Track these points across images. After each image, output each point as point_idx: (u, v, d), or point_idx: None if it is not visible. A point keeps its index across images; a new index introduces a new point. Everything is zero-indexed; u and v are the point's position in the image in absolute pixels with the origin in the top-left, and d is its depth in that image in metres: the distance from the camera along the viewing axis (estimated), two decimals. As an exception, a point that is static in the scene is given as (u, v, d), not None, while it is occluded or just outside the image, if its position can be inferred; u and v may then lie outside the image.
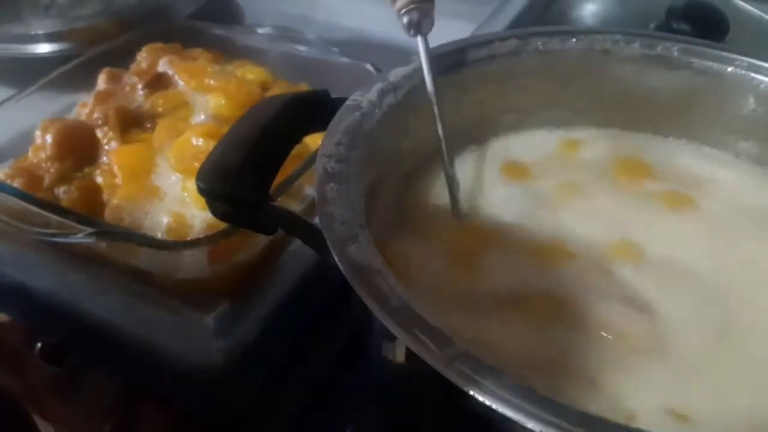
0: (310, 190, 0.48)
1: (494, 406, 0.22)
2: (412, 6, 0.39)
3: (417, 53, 0.40)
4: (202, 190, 0.33)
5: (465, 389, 0.22)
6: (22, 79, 0.61)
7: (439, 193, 0.41)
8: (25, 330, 0.62)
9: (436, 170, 0.41)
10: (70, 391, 0.74)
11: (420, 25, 0.39)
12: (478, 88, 0.43)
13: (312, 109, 0.39)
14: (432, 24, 0.40)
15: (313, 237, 0.32)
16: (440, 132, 0.39)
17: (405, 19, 0.39)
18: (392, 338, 0.31)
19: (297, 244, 0.47)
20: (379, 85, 0.38)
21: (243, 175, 0.33)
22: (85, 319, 0.44)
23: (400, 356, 0.31)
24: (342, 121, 0.35)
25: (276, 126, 0.36)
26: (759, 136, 0.42)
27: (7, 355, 0.73)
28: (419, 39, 0.39)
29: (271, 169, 0.35)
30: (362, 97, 0.37)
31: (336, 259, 0.27)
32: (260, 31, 0.65)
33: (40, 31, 0.69)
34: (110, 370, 0.47)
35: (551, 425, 0.21)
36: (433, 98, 0.39)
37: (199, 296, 0.43)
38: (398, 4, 0.40)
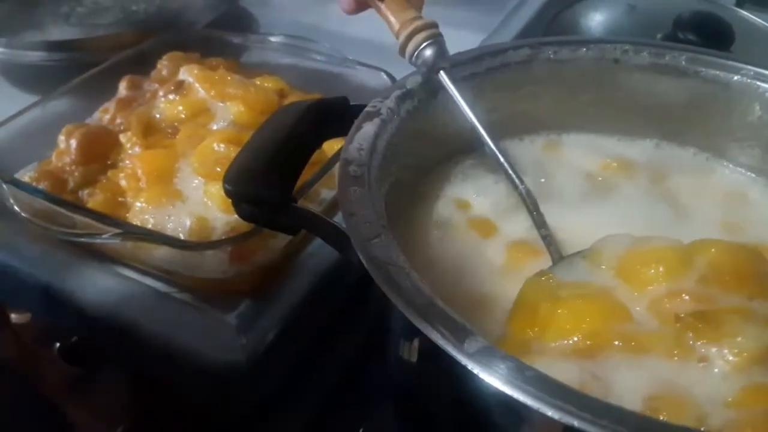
0: (326, 194, 0.50)
1: (516, 396, 0.23)
2: (425, 44, 0.39)
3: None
4: (229, 192, 0.35)
5: (487, 380, 0.24)
6: (44, 86, 0.63)
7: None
8: (45, 329, 0.64)
9: (449, 174, 0.43)
10: (85, 390, 0.75)
11: (436, 63, 0.39)
12: (491, 95, 0.45)
13: (332, 116, 0.40)
14: (448, 57, 0.40)
15: (336, 236, 0.33)
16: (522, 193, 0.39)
17: (420, 62, 0.40)
18: (411, 336, 0.32)
19: (315, 246, 0.48)
20: (397, 92, 0.39)
21: (268, 178, 0.35)
22: (108, 318, 0.45)
23: (417, 354, 0.32)
24: (363, 126, 0.36)
25: (298, 131, 0.38)
26: (764, 142, 0.43)
27: (26, 355, 0.75)
28: (443, 75, 0.39)
29: (294, 172, 0.37)
30: (381, 104, 0.38)
31: (361, 257, 0.28)
32: (274, 39, 0.66)
33: (60, 39, 0.71)
34: (130, 369, 0.48)
35: (572, 414, 0.22)
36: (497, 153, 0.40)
37: (221, 296, 0.45)
38: (410, 47, 0.40)
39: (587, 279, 0.33)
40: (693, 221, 0.41)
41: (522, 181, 0.39)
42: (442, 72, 0.39)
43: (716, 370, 0.27)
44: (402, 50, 0.40)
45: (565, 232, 0.39)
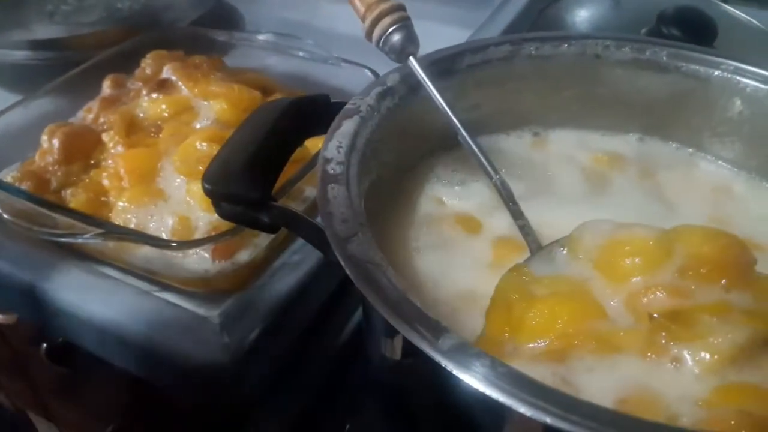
0: (309, 192, 0.50)
1: (489, 393, 0.23)
2: (392, 29, 0.37)
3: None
4: (208, 191, 0.35)
5: (461, 378, 0.24)
6: (28, 85, 0.62)
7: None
8: (32, 330, 0.63)
9: (431, 171, 0.43)
10: (74, 390, 0.75)
11: (404, 48, 0.38)
12: (473, 93, 0.45)
13: (313, 113, 0.40)
14: (418, 42, 0.38)
15: (315, 235, 0.33)
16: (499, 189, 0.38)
17: (388, 47, 0.38)
18: (391, 334, 0.32)
19: (298, 244, 0.48)
20: (377, 89, 0.39)
21: (247, 176, 0.35)
22: (91, 318, 0.45)
23: (398, 351, 0.32)
24: (342, 124, 0.36)
25: (278, 129, 0.38)
26: (745, 137, 0.43)
27: (12, 356, 0.75)
28: (411, 61, 0.38)
29: (274, 170, 0.37)
30: (361, 101, 0.38)
31: (338, 255, 0.28)
32: (260, 37, 0.66)
33: (45, 38, 0.71)
34: (116, 369, 0.48)
35: (543, 410, 0.22)
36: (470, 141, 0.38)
37: (204, 294, 0.45)
38: (377, 32, 0.38)
39: (564, 271, 0.33)
40: (682, 216, 0.41)
41: (497, 172, 0.38)
42: (411, 58, 0.38)
43: (688, 370, 0.27)
44: (368, 35, 0.39)
45: (556, 227, 0.38)
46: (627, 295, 0.31)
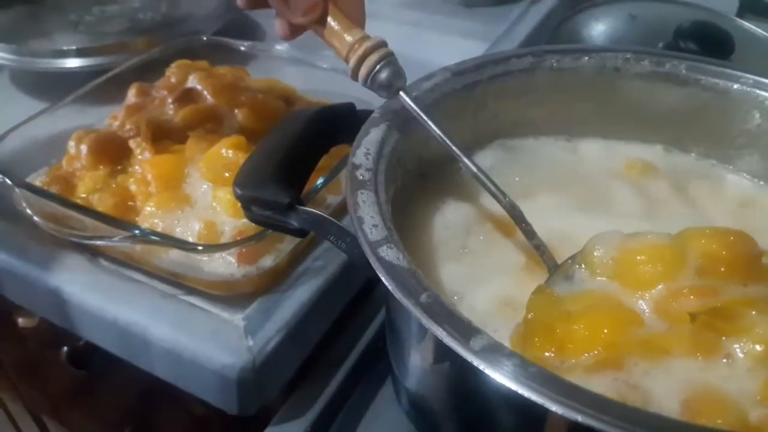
0: (332, 199, 0.51)
1: (522, 392, 0.23)
2: (378, 66, 0.36)
3: (436, 68, 0.42)
4: (238, 196, 0.36)
5: (493, 377, 0.24)
6: (53, 93, 0.64)
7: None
8: (51, 333, 0.64)
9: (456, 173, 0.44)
10: (90, 395, 0.76)
11: (392, 83, 0.37)
12: (493, 103, 0.45)
13: (339, 121, 0.41)
14: (405, 76, 0.37)
15: (343, 238, 0.34)
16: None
17: (376, 85, 0.37)
18: (419, 336, 0.33)
19: (320, 250, 0.49)
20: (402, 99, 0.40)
21: (276, 181, 0.36)
22: (116, 320, 0.46)
23: (428, 353, 0.33)
24: (369, 132, 0.37)
25: (306, 136, 0.39)
26: (763, 149, 0.44)
27: (30, 359, 0.75)
28: (402, 96, 0.37)
29: (302, 175, 0.38)
30: (387, 110, 0.39)
31: (369, 258, 0.29)
32: (281, 48, 0.67)
33: (71, 47, 0.72)
34: (137, 372, 0.48)
35: (575, 409, 0.23)
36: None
37: (229, 298, 0.45)
38: (363, 71, 0.37)
39: (586, 287, 0.34)
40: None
41: (505, 195, 0.37)
42: (401, 93, 0.37)
43: (741, 365, 0.27)
44: (354, 74, 0.37)
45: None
46: (654, 302, 0.31)
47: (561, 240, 0.38)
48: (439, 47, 0.76)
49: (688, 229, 0.33)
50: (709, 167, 0.46)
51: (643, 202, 0.42)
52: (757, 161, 0.45)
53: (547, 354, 0.30)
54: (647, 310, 0.31)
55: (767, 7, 0.77)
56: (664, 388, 0.27)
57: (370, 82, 0.37)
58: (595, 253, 0.34)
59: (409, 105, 0.37)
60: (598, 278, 0.34)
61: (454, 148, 0.38)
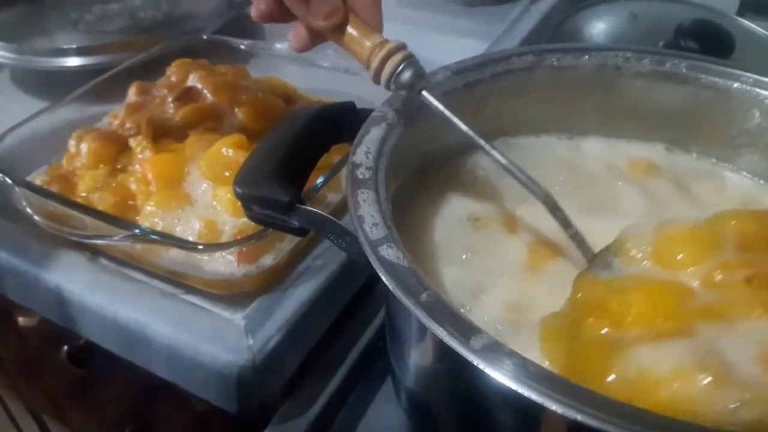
0: (332, 198, 0.51)
1: (522, 391, 0.23)
2: (401, 67, 0.37)
3: (437, 67, 0.42)
4: (238, 194, 0.36)
5: (493, 376, 0.24)
6: (53, 92, 0.64)
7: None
8: (52, 332, 0.64)
9: (457, 171, 0.44)
10: (90, 394, 0.76)
11: (415, 84, 0.37)
12: (494, 102, 0.45)
13: (339, 120, 0.41)
14: (426, 76, 0.38)
15: (344, 238, 0.34)
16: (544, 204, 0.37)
17: (399, 85, 0.37)
18: (419, 335, 0.33)
19: (320, 249, 0.49)
20: (403, 98, 0.40)
21: (277, 180, 0.36)
22: (116, 319, 0.46)
23: (428, 352, 0.33)
24: (370, 130, 0.37)
25: (306, 135, 0.39)
26: (763, 148, 0.44)
27: (30, 358, 0.75)
28: (426, 95, 0.37)
29: (303, 174, 0.38)
30: (388, 108, 0.39)
31: (369, 257, 0.29)
32: (282, 46, 0.67)
33: (71, 46, 0.72)
34: (138, 371, 0.49)
35: (574, 408, 0.23)
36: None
37: (229, 297, 0.45)
38: (386, 72, 0.37)
39: (628, 272, 0.33)
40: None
41: (537, 184, 0.37)
42: (424, 92, 0.38)
43: None
44: (377, 77, 0.38)
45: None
46: (701, 277, 0.31)
47: (567, 240, 0.38)
48: (439, 46, 0.75)
49: (716, 213, 0.34)
50: (710, 166, 0.46)
51: (648, 202, 0.42)
52: (757, 160, 0.45)
53: (603, 331, 0.29)
54: (696, 284, 0.31)
55: (767, 6, 0.77)
56: (738, 349, 0.27)
57: (393, 83, 0.38)
58: (629, 244, 0.34)
59: (435, 104, 0.38)
60: (639, 264, 0.33)
61: (482, 142, 0.38)
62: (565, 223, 0.37)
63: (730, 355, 0.27)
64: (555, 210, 0.37)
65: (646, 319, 0.29)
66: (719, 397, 0.25)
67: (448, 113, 0.38)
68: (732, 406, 0.25)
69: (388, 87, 0.38)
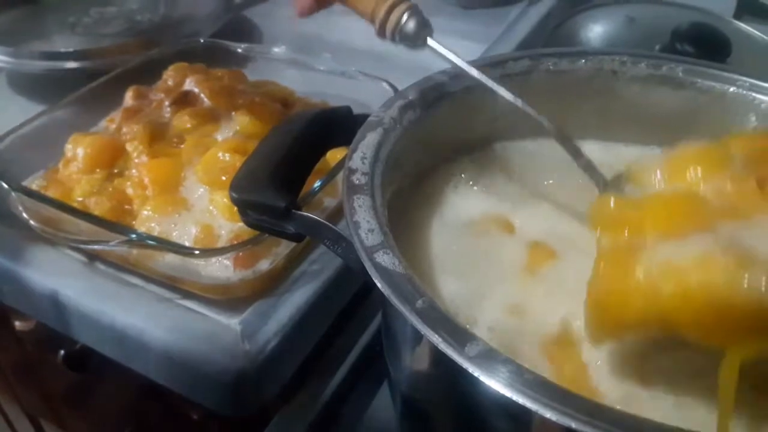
0: (329, 202, 0.51)
1: (516, 399, 0.23)
2: (405, 17, 0.39)
3: (433, 70, 0.42)
4: (234, 200, 0.36)
5: (487, 384, 0.24)
6: (50, 95, 0.64)
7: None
8: (48, 336, 0.64)
9: (452, 174, 0.44)
10: (87, 398, 0.76)
11: (419, 33, 0.39)
12: (491, 106, 0.45)
13: (335, 125, 0.41)
14: (430, 25, 0.40)
15: (339, 243, 0.34)
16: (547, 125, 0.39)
17: (403, 36, 0.39)
18: (414, 341, 0.33)
19: (316, 254, 0.49)
20: (399, 102, 0.40)
21: (272, 186, 0.35)
22: (112, 324, 0.46)
23: (422, 358, 0.33)
24: (366, 136, 0.37)
25: (302, 140, 0.39)
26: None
27: (26, 362, 0.75)
28: (431, 42, 0.39)
29: (299, 180, 0.37)
30: (384, 113, 0.39)
31: (365, 263, 0.29)
32: (279, 50, 0.67)
33: (68, 49, 0.72)
34: (134, 376, 0.48)
35: (569, 416, 0.23)
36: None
37: (225, 302, 0.45)
38: (391, 23, 0.39)
39: (642, 193, 0.33)
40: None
41: (546, 119, 0.39)
42: (429, 39, 0.39)
43: None
44: (382, 29, 0.40)
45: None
46: (714, 188, 0.31)
47: (566, 243, 0.38)
48: (436, 49, 0.76)
49: (725, 137, 0.34)
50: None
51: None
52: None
53: (624, 237, 0.30)
54: (710, 194, 0.31)
55: (764, 9, 0.77)
56: (760, 238, 0.27)
57: (398, 35, 0.39)
58: (640, 170, 0.34)
59: (439, 49, 0.39)
60: (653, 185, 0.34)
61: (490, 82, 0.39)
62: (577, 154, 0.38)
63: (754, 242, 0.27)
64: (565, 141, 0.38)
65: (664, 222, 0.29)
66: (747, 279, 0.25)
67: (454, 57, 0.39)
68: (763, 287, 0.24)
69: (393, 39, 0.40)
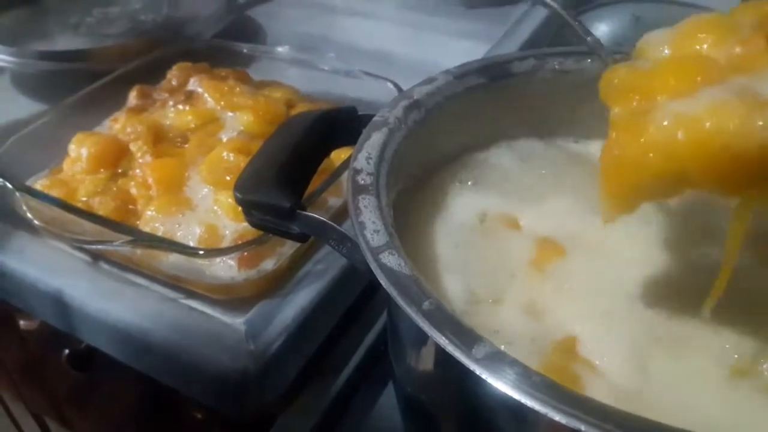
0: (333, 202, 0.51)
1: (524, 401, 0.23)
2: None
3: (437, 69, 0.42)
4: (239, 200, 0.36)
5: (495, 386, 0.24)
6: (53, 95, 0.64)
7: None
8: (52, 335, 0.64)
9: (456, 174, 0.44)
10: (91, 397, 0.76)
11: None
12: (496, 106, 0.45)
13: (340, 125, 0.41)
14: None
15: (344, 243, 0.34)
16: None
17: None
18: (420, 342, 0.33)
19: (321, 254, 0.49)
20: (404, 102, 0.40)
21: (277, 186, 0.35)
22: (116, 324, 0.46)
23: (428, 359, 0.33)
24: (371, 136, 0.37)
25: (307, 140, 0.39)
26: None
27: (30, 361, 0.75)
28: None
29: (303, 179, 0.37)
30: (389, 114, 0.39)
31: (370, 264, 0.29)
32: (283, 50, 0.67)
33: (70, 49, 0.72)
34: (138, 375, 0.48)
35: (578, 419, 0.22)
36: None
37: (230, 302, 0.45)
38: None
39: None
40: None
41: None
42: None
43: None
44: None
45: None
46: (724, 56, 0.30)
47: (574, 241, 0.38)
48: (440, 48, 0.76)
49: (731, 10, 0.33)
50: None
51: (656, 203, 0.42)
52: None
53: (633, 104, 0.29)
54: (720, 57, 0.30)
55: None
56: None
57: None
58: (649, 45, 0.33)
59: None
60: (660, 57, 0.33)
61: None
62: (585, 31, 0.40)
63: (765, 91, 0.26)
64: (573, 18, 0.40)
65: (675, 81, 0.28)
66: (762, 121, 0.25)
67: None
68: None
69: None
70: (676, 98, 0.28)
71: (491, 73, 0.44)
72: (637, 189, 0.29)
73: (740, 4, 0.33)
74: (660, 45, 0.33)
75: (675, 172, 0.27)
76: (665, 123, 0.27)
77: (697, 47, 0.31)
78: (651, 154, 0.27)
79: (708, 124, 0.26)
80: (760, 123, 0.25)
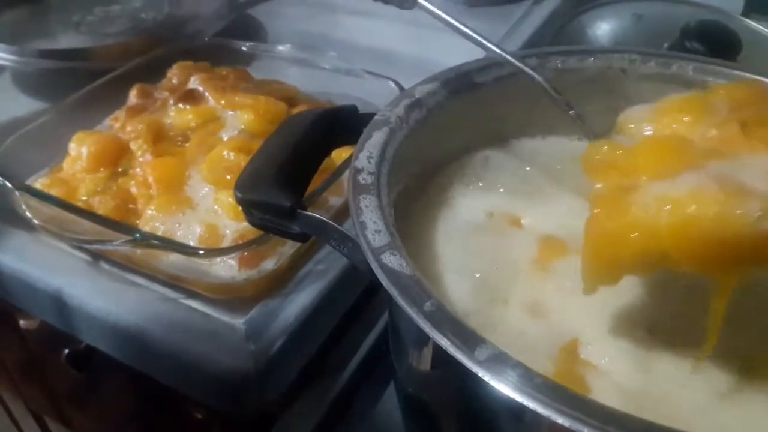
0: (334, 201, 0.50)
1: (527, 404, 0.23)
2: None
3: (439, 68, 0.42)
4: (239, 199, 0.35)
5: (497, 388, 0.24)
6: (54, 94, 0.64)
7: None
8: (52, 335, 0.64)
9: (457, 173, 0.43)
10: (91, 396, 0.75)
11: None
12: (498, 105, 0.45)
13: (341, 124, 0.41)
14: None
15: (345, 243, 0.34)
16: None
17: None
18: (422, 344, 0.33)
19: (322, 254, 0.49)
20: (405, 101, 0.40)
21: (278, 185, 0.35)
22: (117, 324, 0.46)
23: (429, 360, 0.33)
24: (372, 135, 0.37)
25: (308, 139, 0.38)
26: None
27: (30, 361, 0.75)
28: (421, 1, 0.40)
29: (304, 179, 0.37)
30: (390, 113, 0.38)
31: (371, 264, 0.29)
32: (284, 49, 0.67)
33: (71, 47, 0.72)
34: (138, 375, 0.48)
35: (580, 421, 0.22)
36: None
37: (230, 302, 0.45)
38: None
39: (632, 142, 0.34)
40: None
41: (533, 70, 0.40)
42: None
43: None
44: None
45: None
46: (698, 134, 0.32)
47: (576, 239, 0.38)
48: (441, 47, 0.75)
49: (706, 90, 0.36)
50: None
51: None
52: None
53: (616, 181, 0.30)
54: (697, 139, 0.32)
55: (773, 7, 0.76)
56: (749, 173, 0.28)
57: None
58: (629, 122, 0.35)
59: (433, 10, 0.41)
60: (639, 136, 0.34)
61: (477, 37, 0.41)
62: (566, 105, 0.40)
63: (743, 177, 0.28)
64: (557, 93, 0.40)
65: (656, 163, 0.30)
66: (741, 209, 0.26)
67: (445, 16, 0.40)
68: (756, 215, 0.25)
69: None
70: (657, 179, 0.29)
71: (493, 72, 0.44)
72: (620, 264, 0.30)
73: (713, 85, 0.36)
74: (640, 122, 0.35)
75: (656, 252, 0.28)
76: (648, 205, 0.28)
77: (675, 126, 0.33)
78: (633, 234, 0.28)
79: (689, 209, 0.27)
80: (739, 211, 0.26)
